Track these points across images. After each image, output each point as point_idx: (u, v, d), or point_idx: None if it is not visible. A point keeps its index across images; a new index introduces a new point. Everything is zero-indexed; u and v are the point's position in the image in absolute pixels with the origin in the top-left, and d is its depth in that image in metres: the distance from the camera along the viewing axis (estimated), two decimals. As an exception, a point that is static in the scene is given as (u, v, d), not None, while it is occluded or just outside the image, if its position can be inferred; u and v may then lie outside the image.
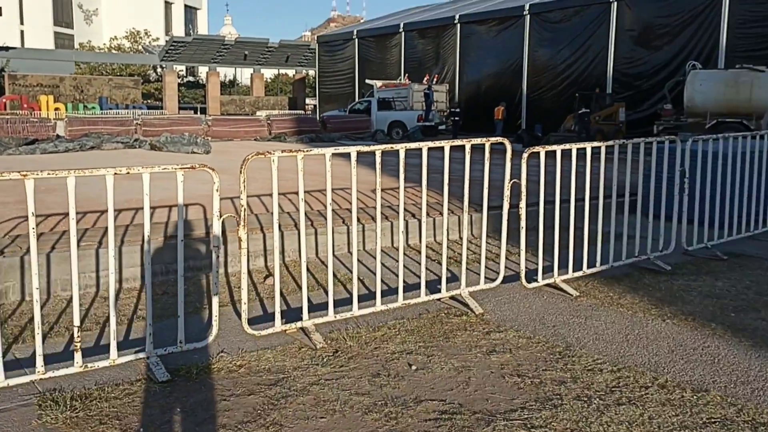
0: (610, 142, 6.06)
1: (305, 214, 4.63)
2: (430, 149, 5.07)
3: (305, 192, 4.57)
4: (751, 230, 7.43)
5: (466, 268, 5.45)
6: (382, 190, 4.98)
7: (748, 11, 22.86)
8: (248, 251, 6.29)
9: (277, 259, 4.48)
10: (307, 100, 58.81)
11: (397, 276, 5.10)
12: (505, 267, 5.65)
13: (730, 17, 23.24)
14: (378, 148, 4.84)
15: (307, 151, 4.53)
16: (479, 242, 5.61)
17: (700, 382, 3.79)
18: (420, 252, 5.36)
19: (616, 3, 26.56)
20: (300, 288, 4.71)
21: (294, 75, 63.03)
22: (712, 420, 3.33)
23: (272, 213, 4.58)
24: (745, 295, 5.47)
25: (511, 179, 5.37)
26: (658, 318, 4.93)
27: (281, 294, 5.57)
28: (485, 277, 5.45)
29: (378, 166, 4.79)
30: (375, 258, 4.99)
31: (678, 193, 6.53)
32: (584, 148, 5.84)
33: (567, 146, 5.70)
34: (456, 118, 27.94)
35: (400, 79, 33.35)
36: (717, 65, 22.85)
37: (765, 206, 7.54)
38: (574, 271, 5.83)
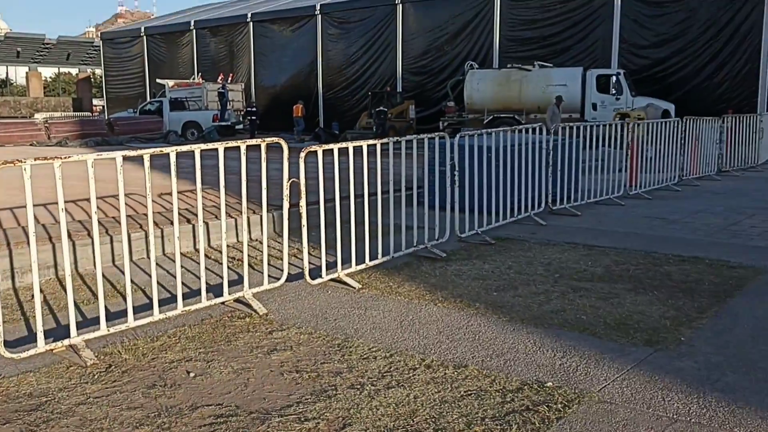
0: (385, 140, 6.37)
1: (80, 222, 4.37)
2: (202, 151, 5.00)
3: (74, 201, 4.30)
4: (515, 215, 8.19)
5: (254, 270, 5.44)
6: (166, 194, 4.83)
7: (516, 16, 25.16)
8: (12, 267, 5.80)
9: (35, 274, 4.16)
10: (95, 101, 54.90)
11: (182, 282, 4.97)
12: (293, 265, 5.72)
13: (501, 20, 25.42)
14: (146, 152, 4.67)
15: (66, 157, 4.26)
16: (271, 242, 5.64)
17: (461, 358, 4.13)
18: (208, 256, 5.25)
19: (401, 5, 27.87)
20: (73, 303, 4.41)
21: (78, 74, 58.53)
22: (469, 392, 3.64)
23: (35, 225, 4.23)
24: (507, 275, 6.04)
25: (290, 178, 5.44)
26: (431, 303, 5.28)
27: (51, 311, 5.21)
28: (270, 277, 5.48)
29: (147, 170, 4.64)
30: (159, 265, 4.83)
31: (450, 184, 7.03)
32: (361, 146, 6.09)
33: (343, 144, 5.89)
34: (253, 117, 27.68)
35: (194, 78, 32.36)
36: (492, 65, 24.88)
37: (527, 193, 8.35)
38: (357, 264, 6.05)
